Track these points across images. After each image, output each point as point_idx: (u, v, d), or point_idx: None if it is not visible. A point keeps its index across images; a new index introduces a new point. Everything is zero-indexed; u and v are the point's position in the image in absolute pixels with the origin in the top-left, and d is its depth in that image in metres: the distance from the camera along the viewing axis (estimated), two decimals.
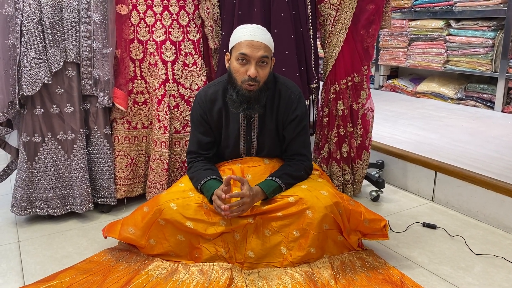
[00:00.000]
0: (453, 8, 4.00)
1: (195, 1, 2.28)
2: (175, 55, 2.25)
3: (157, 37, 2.23)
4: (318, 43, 2.39)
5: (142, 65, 2.27)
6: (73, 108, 2.13)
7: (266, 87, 1.79)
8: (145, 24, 2.23)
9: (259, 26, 1.79)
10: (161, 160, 2.26)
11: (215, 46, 2.33)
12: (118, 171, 2.27)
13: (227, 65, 1.83)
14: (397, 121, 3.46)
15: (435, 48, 4.21)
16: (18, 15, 2.00)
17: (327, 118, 2.38)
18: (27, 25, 1.99)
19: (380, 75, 4.94)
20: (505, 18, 3.67)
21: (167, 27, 2.24)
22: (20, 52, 2.01)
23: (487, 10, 3.76)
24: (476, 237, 2.07)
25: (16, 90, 2.03)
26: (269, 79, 1.80)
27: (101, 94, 2.15)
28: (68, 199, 2.19)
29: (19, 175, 2.13)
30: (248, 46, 1.71)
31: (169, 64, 2.24)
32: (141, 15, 2.22)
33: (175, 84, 2.26)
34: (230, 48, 1.81)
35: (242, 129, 1.89)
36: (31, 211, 2.16)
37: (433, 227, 2.14)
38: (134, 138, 2.31)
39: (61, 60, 2.07)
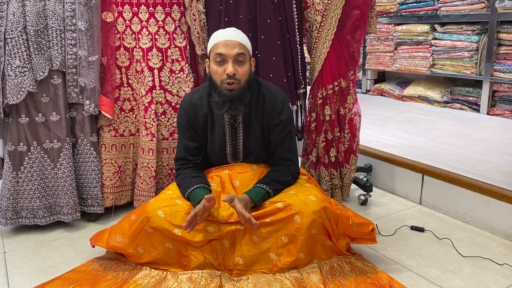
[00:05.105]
0: (438, 12, 4.05)
1: (181, 8, 2.28)
2: (161, 61, 2.25)
3: (143, 44, 2.22)
4: (305, 48, 2.40)
5: (129, 72, 2.26)
6: (59, 117, 2.11)
7: (248, 86, 1.80)
8: (131, 31, 2.22)
9: (234, 28, 1.83)
10: (148, 168, 2.25)
11: (202, 52, 2.33)
12: (105, 179, 2.25)
13: (207, 71, 1.84)
14: (385, 125, 3.48)
15: (421, 52, 4.25)
16: (1, 23, 1.98)
17: (315, 123, 2.38)
18: (11, 33, 1.97)
19: (367, 79, 4.96)
20: (488, 22, 3.72)
21: (153, 34, 2.23)
22: (4, 61, 1.99)
23: (471, 14, 3.82)
24: (463, 239, 2.08)
25: (0, 99, 2.01)
26: (250, 78, 1.81)
27: (87, 102, 2.14)
28: (54, 208, 2.17)
29: (4, 184, 2.10)
30: (223, 46, 1.73)
31: (156, 71, 2.24)
32: (127, 22, 2.21)
33: (162, 91, 2.25)
34: (208, 53, 1.84)
35: (227, 134, 1.89)
36: (17, 221, 2.13)
37: (421, 230, 2.15)
38: (121, 146, 2.29)
39: (46, 68, 2.05)
